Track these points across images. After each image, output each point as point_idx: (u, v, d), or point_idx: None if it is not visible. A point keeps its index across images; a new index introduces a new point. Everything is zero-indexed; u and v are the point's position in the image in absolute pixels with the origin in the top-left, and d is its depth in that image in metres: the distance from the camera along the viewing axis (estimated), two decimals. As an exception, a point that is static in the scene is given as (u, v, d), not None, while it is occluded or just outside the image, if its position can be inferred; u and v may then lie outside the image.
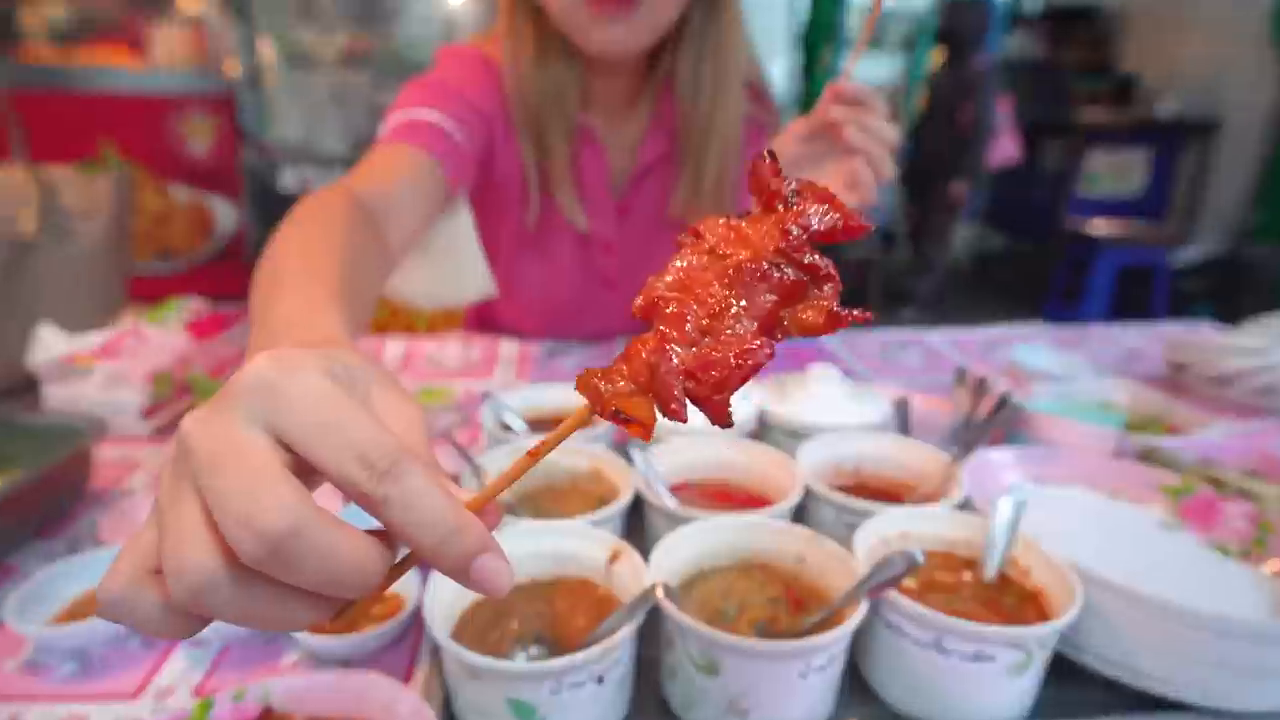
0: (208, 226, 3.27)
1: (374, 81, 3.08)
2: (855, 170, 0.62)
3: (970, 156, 3.92)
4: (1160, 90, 4.57)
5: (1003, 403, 0.66)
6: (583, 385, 0.25)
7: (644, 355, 0.25)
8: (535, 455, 0.26)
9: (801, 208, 0.25)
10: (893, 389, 0.78)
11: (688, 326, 0.25)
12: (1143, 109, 4.55)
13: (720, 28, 0.84)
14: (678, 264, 0.26)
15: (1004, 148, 4.11)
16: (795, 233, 0.25)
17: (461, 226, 0.89)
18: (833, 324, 0.25)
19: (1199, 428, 0.77)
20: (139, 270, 3.26)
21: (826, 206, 0.25)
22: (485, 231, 0.95)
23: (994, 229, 5.59)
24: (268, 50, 3.02)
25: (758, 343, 0.24)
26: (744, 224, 0.26)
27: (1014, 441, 0.70)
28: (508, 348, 1.05)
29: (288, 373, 0.24)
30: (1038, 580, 0.48)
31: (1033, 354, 0.92)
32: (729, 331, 0.25)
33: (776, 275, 0.25)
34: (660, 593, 0.41)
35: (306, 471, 0.24)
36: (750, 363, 0.24)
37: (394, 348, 1.06)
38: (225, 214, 3.29)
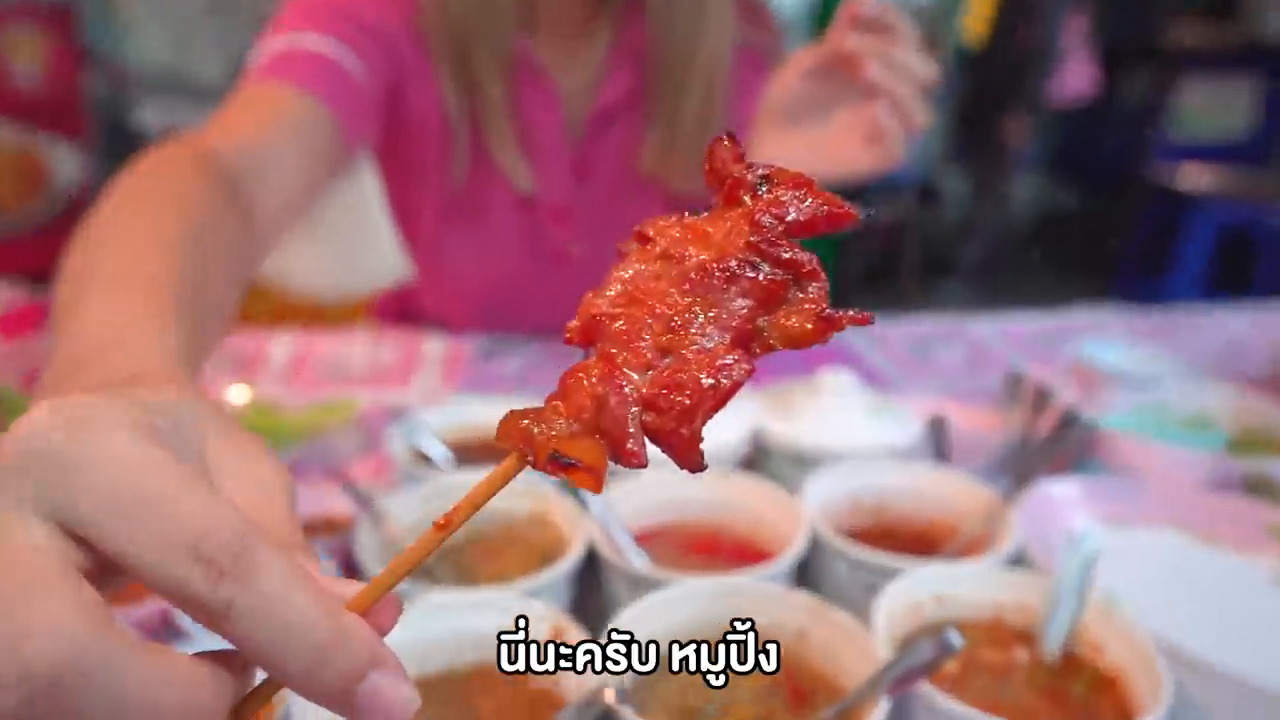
0: (39, 178, 3.20)
1: (257, -10, 3.03)
2: (875, 119, 0.61)
3: (1030, 89, 3.95)
4: (1271, 3, 4.63)
5: (1068, 420, 0.66)
6: (507, 432, 0.25)
7: (587, 385, 0.24)
8: (444, 528, 0.25)
9: (774, 194, 0.25)
10: (926, 400, 0.77)
11: (642, 345, 0.25)
12: (1249, 27, 4.60)
13: None
14: (622, 274, 0.26)
15: (1074, 78, 4.14)
16: (769, 223, 0.24)
17: (363, 192, 0.87)
18: (823, 330, 0.25)
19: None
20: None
21: (804, 191, 0.25)
22: (397, 198, 0.93)
23: (1060, 182, 5.62)
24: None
25: (732, 357, 0.24)
26: (702, 221, 0.26)
27: (1083, 470, 0.70)
28: (432, 347, 1.03)
29: (79, 434, 0.22)
30: (1114, 660, 0.48)
31: (1106, 350, 0.92)
32: (695, 346, 0.24)
33: (750, 275, 0.24)
34: (611, 698, 0.39)
35: (112, 575, 0.22)
36: (726, 382, 0.24)
37: (279, 347, 1.03)
38: (65, 162, 3.21)
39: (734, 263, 0.24)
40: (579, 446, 0.24)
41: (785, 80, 0.67)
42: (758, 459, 0.71)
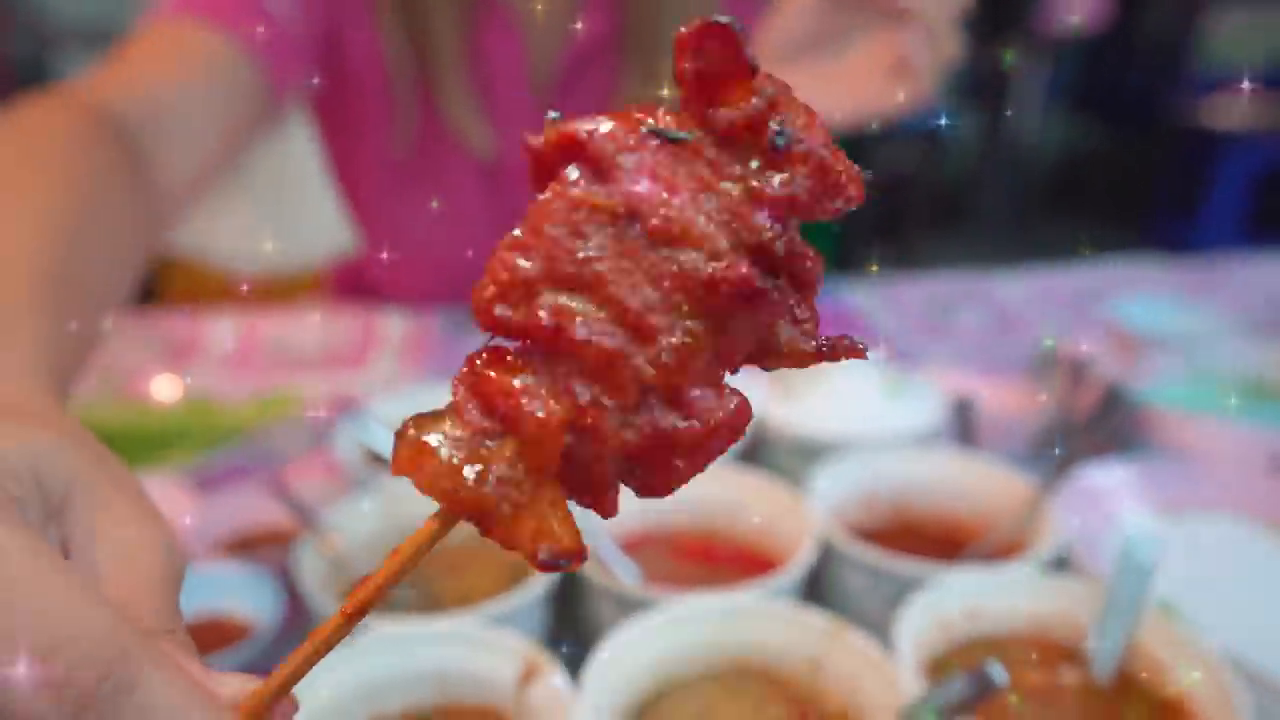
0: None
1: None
2: (902, 47, 0.58)
3: (1022, 10, 3.97)
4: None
5: (1111, 396, 0.63)
6: (427, 477, 0.21)
7: (541, 417, 0.20)
8: (354, 616, 0.22)
9: (795, 151, 0.20)
10: (949, 375, 0.75)
11: (621, 371, 0.21)
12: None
13: None
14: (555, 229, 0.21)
15: (1082, 2, 4.13)
16: (779, 197, 0.20)
17: (296, 150, 0.83)
18: (818, 361, 0.23)
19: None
20: None
21: (827, 146, 0.21)
22: (338, 159, 0.90)
23: (1083, 119, 5.62)
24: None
25: (734, 402, 0.22)
26: (676, 160, 0.21)
27: (1130, 452, 0.67)
28: (391, 324, 1.00)
29: None
30: (1178, 680, 0.45)
31: (1146, 310, 0.90)
32: (689, 383, 0.21)
33: (755, 286, 0.21)
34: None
35: None
36: (726, 434, 0.22)
37: (219, 331, 1.00)
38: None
39: (734, 271, 0.20)
40: (540, 514, 0.21)
41: (792, 9, 0.63)
42: (757, 448, 0.68)
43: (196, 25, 0.69)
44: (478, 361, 0.22)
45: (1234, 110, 3.93)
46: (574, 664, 0.44)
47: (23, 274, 0.38)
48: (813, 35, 0.63)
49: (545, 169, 0.21)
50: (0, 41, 2.76)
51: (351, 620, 0.22)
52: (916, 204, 3.94)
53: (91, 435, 0.29)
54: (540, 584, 0.50)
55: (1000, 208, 4.50)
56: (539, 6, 0.88)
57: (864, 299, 1.09)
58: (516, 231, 0.20)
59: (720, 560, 0.57)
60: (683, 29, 0.21)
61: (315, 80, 0.82)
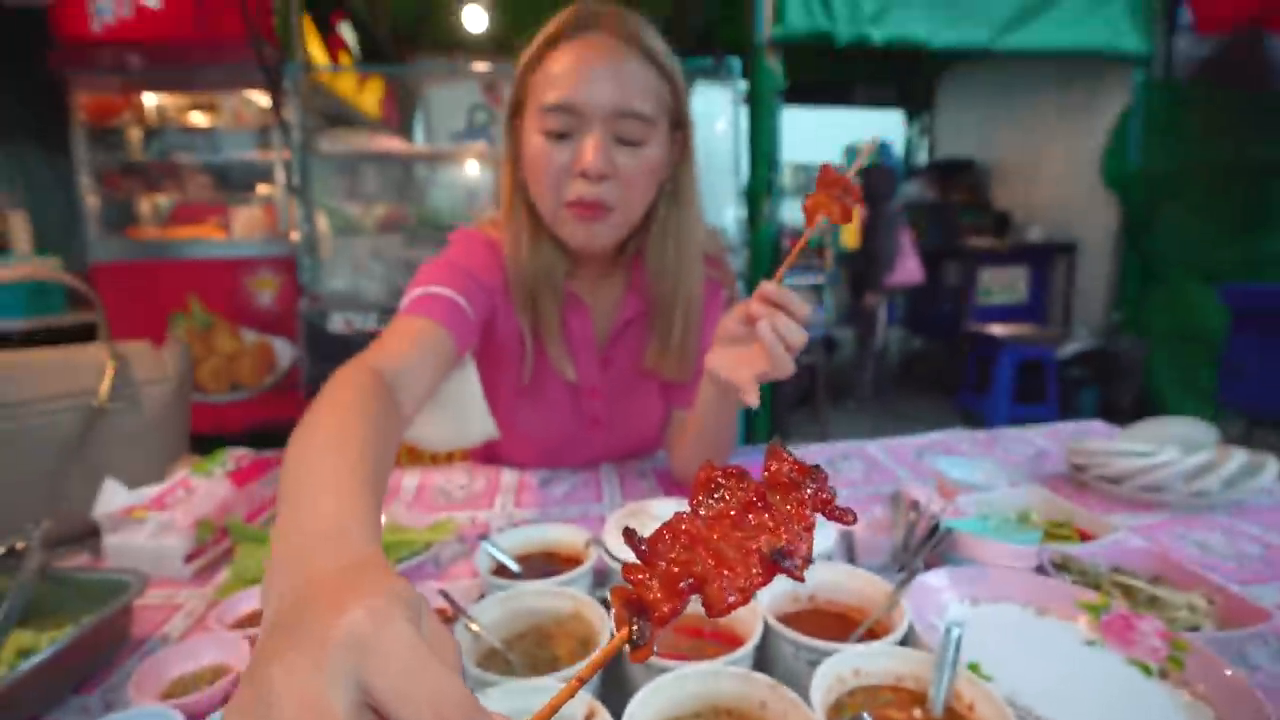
0: (270, 362, 3.27)
1: (405, 242, 3.16)
2: (765, 361, 0.62)
3: (877, 275, 4.07)
4: (1027, 222, 4.78)
5: (934, 526, 0.63)
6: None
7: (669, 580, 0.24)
8: (582, 681, 0.25)
9: (815, 489, 0.26)
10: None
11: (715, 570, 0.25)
12: (1016, 236, 4.74)
13: (681, 216, 0.84)
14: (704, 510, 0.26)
15: (911, 269, 4.24)
16: (812, 502, 0.26)
17: (469, 380, 0.86)
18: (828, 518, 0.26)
19: (1105, 529, 0.73)
20: (214, 400, 3.22)
21: (824, 484, 0.26)
22: (488, 383, 0.92)
23: (915, 333, 5.69)
24: (323, 222, 3.10)
25: (756, 570, 0.25)
26: (768, 489, 0.26)
27: (949, 560, 0.66)
28: (508, 477, 1.00)
29: (381, 627, 0.23)
30: (981, 715, 0.43)
31: (955, 466, 0.89)
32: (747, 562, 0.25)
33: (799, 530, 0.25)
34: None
35: None
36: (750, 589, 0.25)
37: (409, 480, 1.01)
38: (284, 351, 3.29)
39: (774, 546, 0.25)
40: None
41: (728, 321, 0.67)
42: None
43: (424, 319, 0.74)
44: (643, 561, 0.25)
45: (1000, 328, 3.97)
46: (615, 709, 0.43)
47: (365, 484, 0.40)
48: (736, 334, 0.66)
49: (701, 485, 0.25)
50: (298, 305, 2.90)
51: (579, 684, 0.23)
52: (819, 386, 3.95)
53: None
54: (588, 567, 0.52)
55: (868, 389, 4.48)
56: (599, 302, 0.93)
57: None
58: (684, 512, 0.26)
59: (705, 637, 0.56)
60: (773, 448, 0.27)
61: (480, 342, 0.85)
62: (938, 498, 0.75)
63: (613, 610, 0.29)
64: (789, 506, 0.25)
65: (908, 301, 5.44)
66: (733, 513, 0.25)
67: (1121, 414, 3.81)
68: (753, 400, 0.62)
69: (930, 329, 5.23)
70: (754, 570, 0.24)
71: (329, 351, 2.81)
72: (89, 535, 0.81)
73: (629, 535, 0.24)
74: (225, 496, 0.82)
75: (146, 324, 3.22)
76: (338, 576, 0.27)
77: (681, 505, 0.65)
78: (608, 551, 0.62)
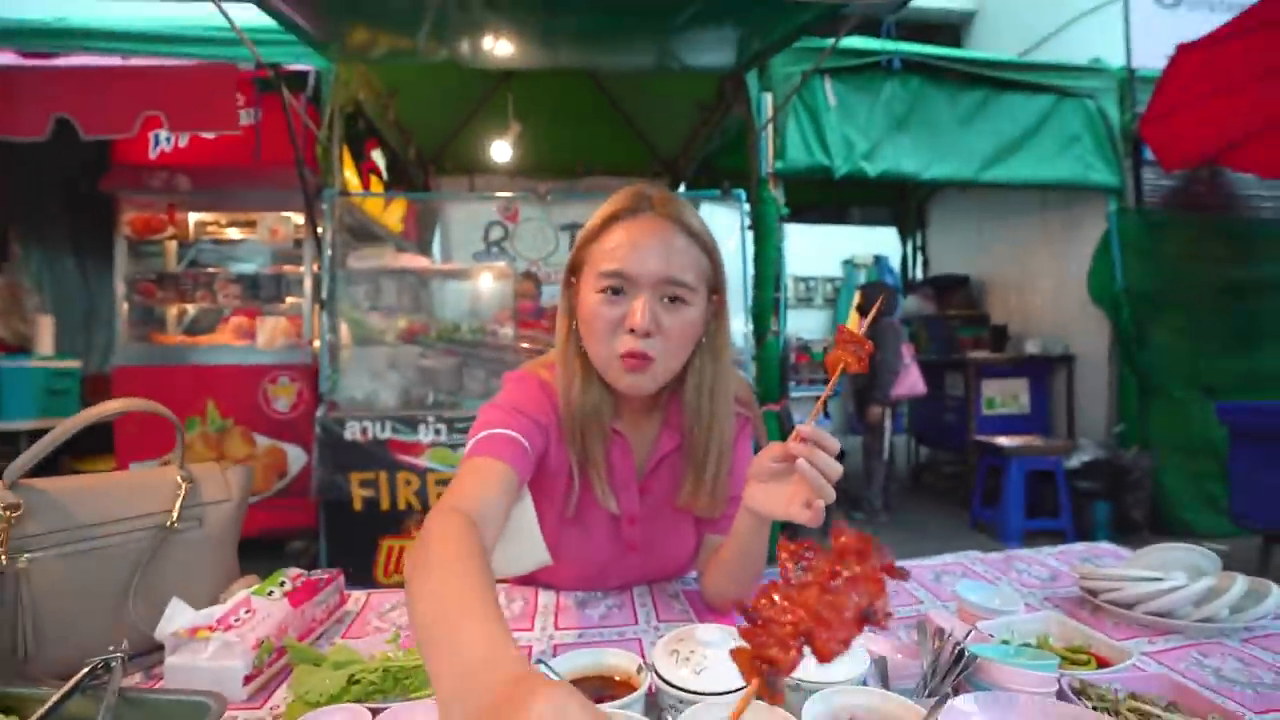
0: (281, 468, 3.32)
1: (421, 353, 3.28)
2: (809, 491, 0.71)
3: (881, 388, 4.19)
4: (1023, 334, 5.00)
5: (959, 652, 0.68)
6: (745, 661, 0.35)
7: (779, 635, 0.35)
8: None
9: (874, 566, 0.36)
10: (871, 642, 0.78)
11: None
12: (1014, 348, 4.94)
13: (716, 368, 0.94)
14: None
15: (913, 381, 4.38)
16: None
17: (527, 511, 0.93)
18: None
19: (1121, 656, 0.78)
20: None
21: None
22: (540, 512, 0.99)
23: (921, 443, 5.75)
24: (344, 332, 3.24)
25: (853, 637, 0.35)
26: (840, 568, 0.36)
27: (974, 685, 0.70)
28: (544, 598, 1.05)
29: (563, 710, 0.31)
30: None
31: (973, 590, 0.94)
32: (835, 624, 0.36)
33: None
34: None
35: None
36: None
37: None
38: (296, 457, 3.35)
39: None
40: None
41: (763, 458, 0.76)
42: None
43: (491, 460, 0.82)
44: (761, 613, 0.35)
45: (1008, 440, 4.04)
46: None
47: (495, 610, 0.47)
48: (773, 472, 0.75)
49: (788, 556, 0.35)
50: (315, 412, 2.98)
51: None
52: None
53: None
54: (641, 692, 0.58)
55: (878, 500, 4.48)
56: (639, 437, 1.01)
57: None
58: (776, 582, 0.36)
59: None
60: (842, 536, 0.38)
61: (533, 475, 0.93)
62: (959, 624, 0.81)
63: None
64: (860, 569, 0.34)
65: (912, 412, 5.55)
66: (817, 579, 0.34)
67: (1136, 527, 3.80)
68: (817, 521, 0.70)
69: (936, 440, 5.30)
70: (849, 623, 0.32)
71: (343, 459, 2.86)
72: (149, 652, 0.86)
73: (741, 607, 0.33)
74: (283, 617, 0.88)
75: (159, 427, 3.30)
76: (512, 687, 0.34)
77: (722, 633, 0.72)
78: (659, 675, 0.68)
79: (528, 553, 0.95)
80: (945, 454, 5.32)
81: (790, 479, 0.73)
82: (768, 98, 3.43)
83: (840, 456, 0.71)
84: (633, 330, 0.83)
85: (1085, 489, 3.88)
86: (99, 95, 2.74)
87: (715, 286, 0.93)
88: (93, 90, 2.74)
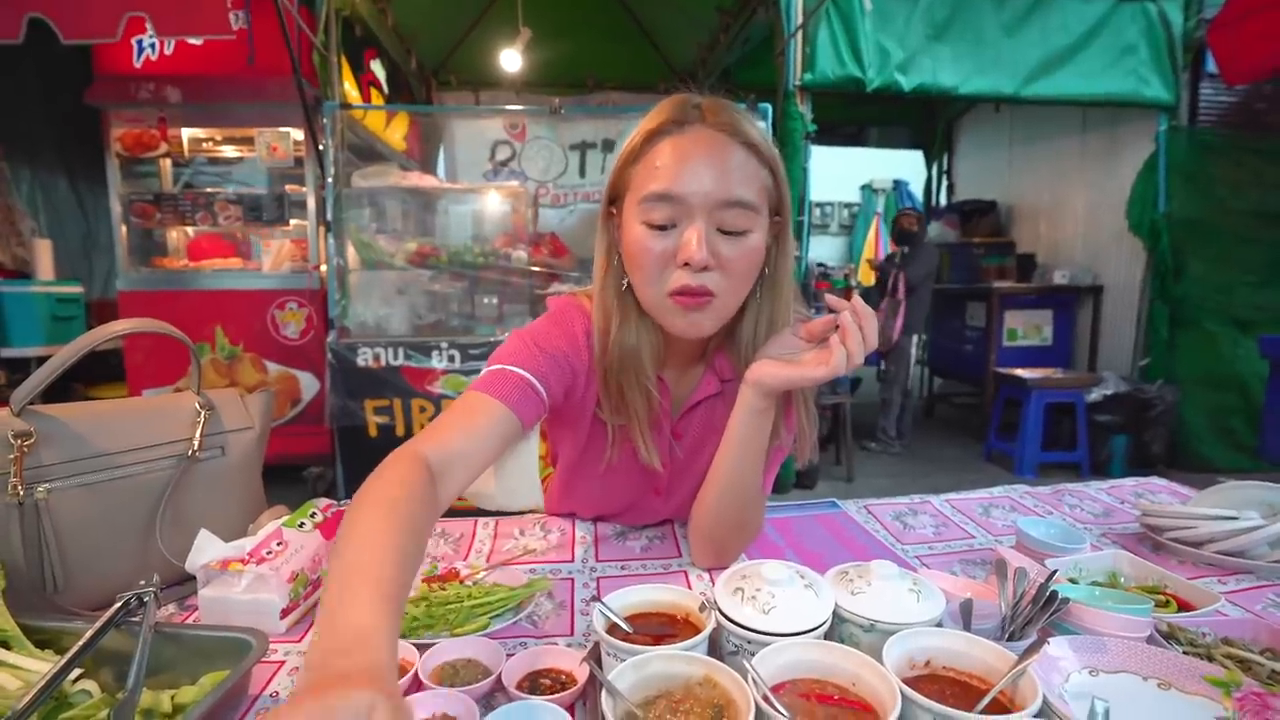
0: (295, 395, 3.31)
1: (431, 277, 3.20)
2: (829, 350, 0.71)
3: (913, 313, 4.11)
4: (1050, 264, 4.85)
5: (1044, 594, 0.64)
6: None
7: None
8: None
9: None
10: (943, 578, 0.75)
11: None
12: (1041, 278, 4.80)
13: (776, 303, 0.82)
14: None
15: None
16: None
17: (527, 453, 0.87)
18: None
19: (1205, 599, 0.74)
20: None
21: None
22: (556, 441, 0.93)
23: (936, 374, 5.72)
24: (352, 256, 3.15)
25: None
26: None
27: (1058, 629, 0.67)
28: (581, 530, 1.02)
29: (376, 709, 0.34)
30: None
31: (1034, 526, 0.90)
32: None
33: None
34: None
35: None
36: None
37: (483, 530, 1.03)
38: (309, 385, 3.34)
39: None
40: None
41: (785, 335, 0.78)
42: (835, 627, 0.67)
43: (490, 398, 0.75)
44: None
45: (1029, 373, 3.99)
46: None
47: (393, 590, 0.46)
48: (795, 345, 0.76)
49: None
50: (325, 338, 2.93)
51: None
52: (845, 426, 3.93)
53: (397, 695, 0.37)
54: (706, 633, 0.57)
55: (894, 430, 4.48)
56: (680, 384, 0.92)
57: (859, 520, 1.09)
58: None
59: (832, 702, 0.56)
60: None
61: (554, 411, 0.86)
62: (1032, 563, 0.77)
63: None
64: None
65: (929, 343, 5.48)
66: None
67: (1153, 461, 3.80)
68: (838, 370, 0.70)
69: (953, 371, 5.25)
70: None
71: (356, 386, 2.84)
72: (180, 584, 0.84)
73: None
74: (316, 549, 0.85)
75: (170, 354, 3.28)
76: (344, 680, 0.36)
77: (790, 571, 0.67)
78: (723, 614, 0.64)
79: (523, 492, 0.90)
80: (960, 385, 5.29)
81: (804, 352, 0.73)
82: (798, 1, 3.16)
83: (854, 385, 0.68)
84: (687, 264, 0.72)
85: (1104, 422, 3.86)
86: (76, -6, 2.52)
87: (778, 206, 0.79)
88: (69, -12, 2.52)
